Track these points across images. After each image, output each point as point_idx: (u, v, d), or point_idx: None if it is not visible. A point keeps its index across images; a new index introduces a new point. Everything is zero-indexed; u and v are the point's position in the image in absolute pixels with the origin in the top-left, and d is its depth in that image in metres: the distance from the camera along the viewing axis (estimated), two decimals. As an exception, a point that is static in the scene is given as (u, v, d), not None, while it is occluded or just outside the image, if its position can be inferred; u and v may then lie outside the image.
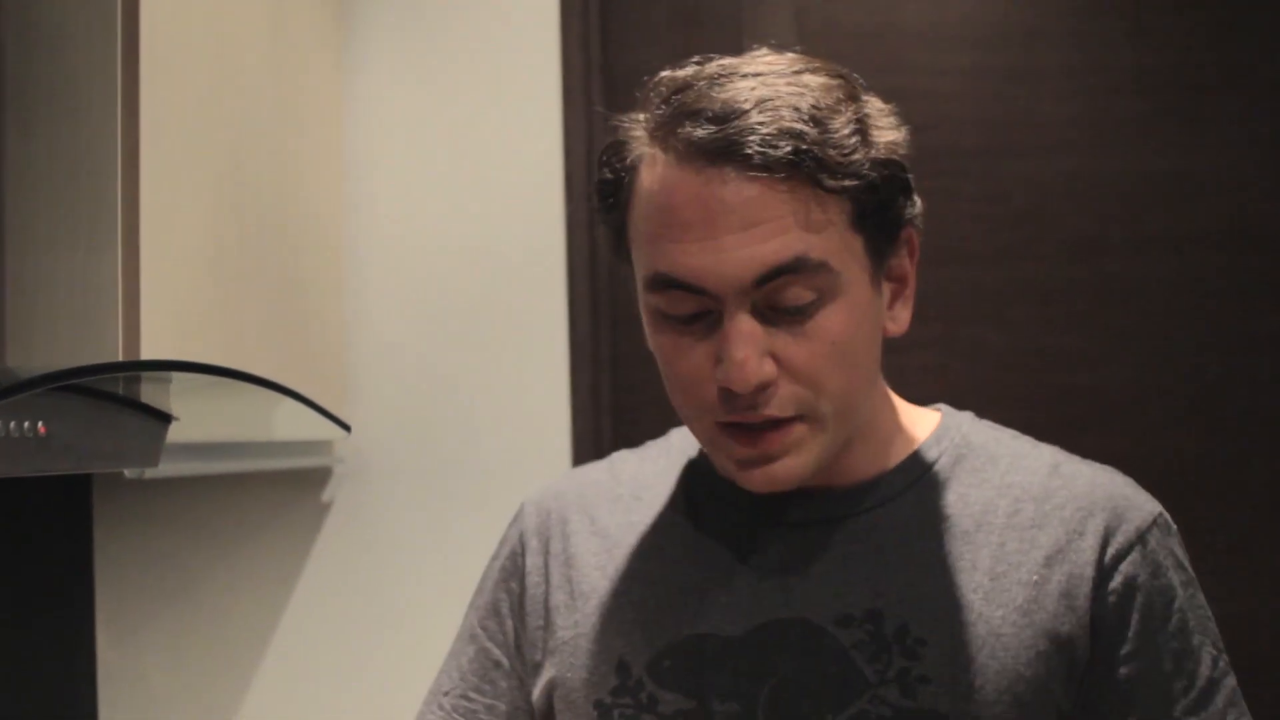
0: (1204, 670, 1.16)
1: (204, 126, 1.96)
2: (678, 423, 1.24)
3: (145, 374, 1.63)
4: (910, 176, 1.16)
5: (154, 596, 2.48)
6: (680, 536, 1.24)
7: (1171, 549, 1.18)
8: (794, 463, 1.12)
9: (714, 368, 1.10)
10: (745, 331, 1.08)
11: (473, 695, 1.31)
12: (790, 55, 1.14)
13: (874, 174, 1.10)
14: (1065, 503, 1.18)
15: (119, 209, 1.76)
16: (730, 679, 1.15)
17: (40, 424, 1.40)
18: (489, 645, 1.32)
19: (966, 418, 1.26)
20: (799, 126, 1.06)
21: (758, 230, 1.06)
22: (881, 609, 1.14)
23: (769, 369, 1.08)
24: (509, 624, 1.31)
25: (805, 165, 1.06)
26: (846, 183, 1.08)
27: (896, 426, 1.23)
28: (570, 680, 1.23)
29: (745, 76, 1.10)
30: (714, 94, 1.08)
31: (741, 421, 1.11)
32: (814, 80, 1.11)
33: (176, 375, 1.62)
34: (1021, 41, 2.52)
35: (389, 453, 2.44)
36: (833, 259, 1.08)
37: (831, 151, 1.07)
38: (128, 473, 1.82)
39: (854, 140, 1.09)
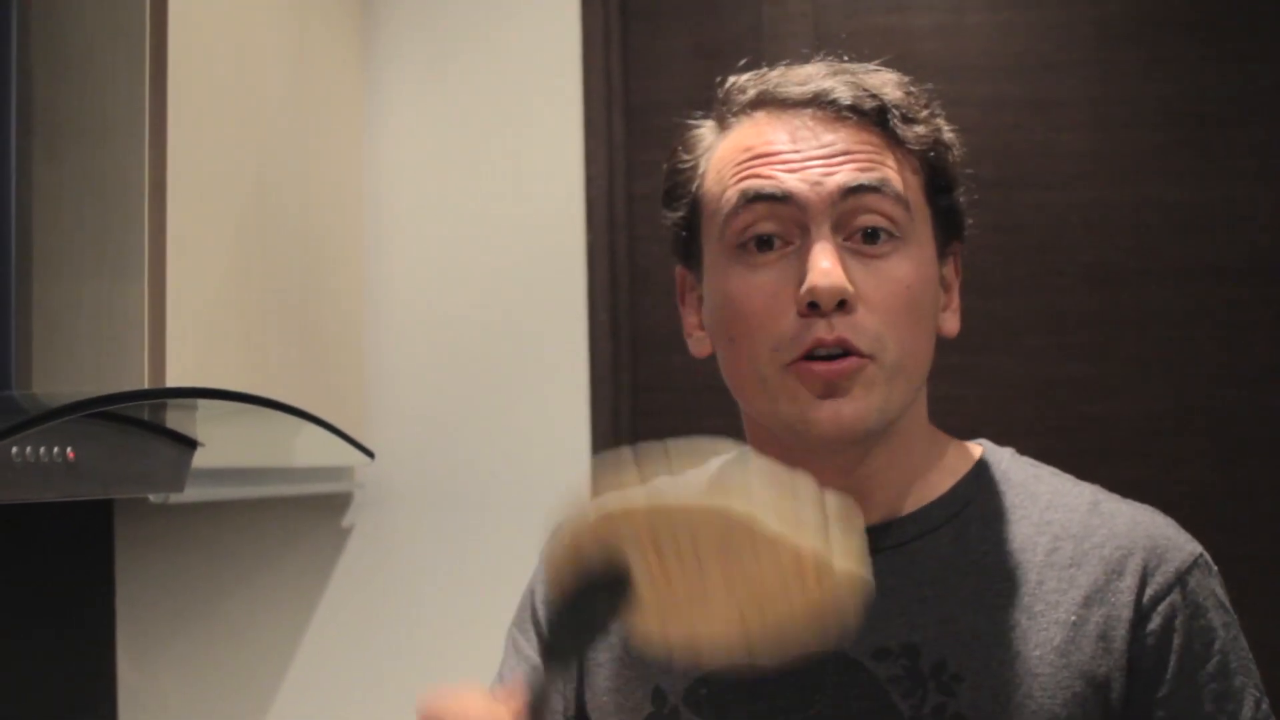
0: (1246, 713, 1.14)
1: (229, 156, 1.98)
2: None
3: (171, 401, 1.65)
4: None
5: (174, 620, 2.49)
6: None
7: (1213, 589, 1.16)
8: (862, 404, 1.12)
9: (793, 295, 1.12)
10: (824, 245, 1.11)
11: None
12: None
13: (946, 150, 1.17)
14: (1104, 541, 1.16)
15: (145, 238, 1.78)
16: (766, 710, 1.15)
17: (69, 450, 1.42)
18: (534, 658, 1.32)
19: (1007, 454, 1.25)
20: (884, 90, 1.16)
21: (846, 158, 1.13)
22: (919, 644, 1.13)
23: (845, 283, 1.10)
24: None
25: (891, 117, 1.14)
26: (925, 145, 1.15)
27: (938, 458, 1.22)
28: (606, 706, 1.23)
29: (813, 66, 1.19)
30: (791, 75, 1.18)
31: (817, 348, 1.11)
32: (890, 76, 1.19)
33: (202, 402, 1.64)
34: (1039, 73, 2.54)
35: (409, 478, 2.45)
36: (912, 200, 1.14)
37: (913, 114, 1.16)
38: (153, 498, 1.83)
39: (927, 114, 1.17)
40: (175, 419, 1.66)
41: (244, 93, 2.03)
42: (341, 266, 2.39)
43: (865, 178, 1.12)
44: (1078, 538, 1.17)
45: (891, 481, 1.19)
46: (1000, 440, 1.28)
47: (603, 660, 1.25)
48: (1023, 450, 1.27)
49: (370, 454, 2.15)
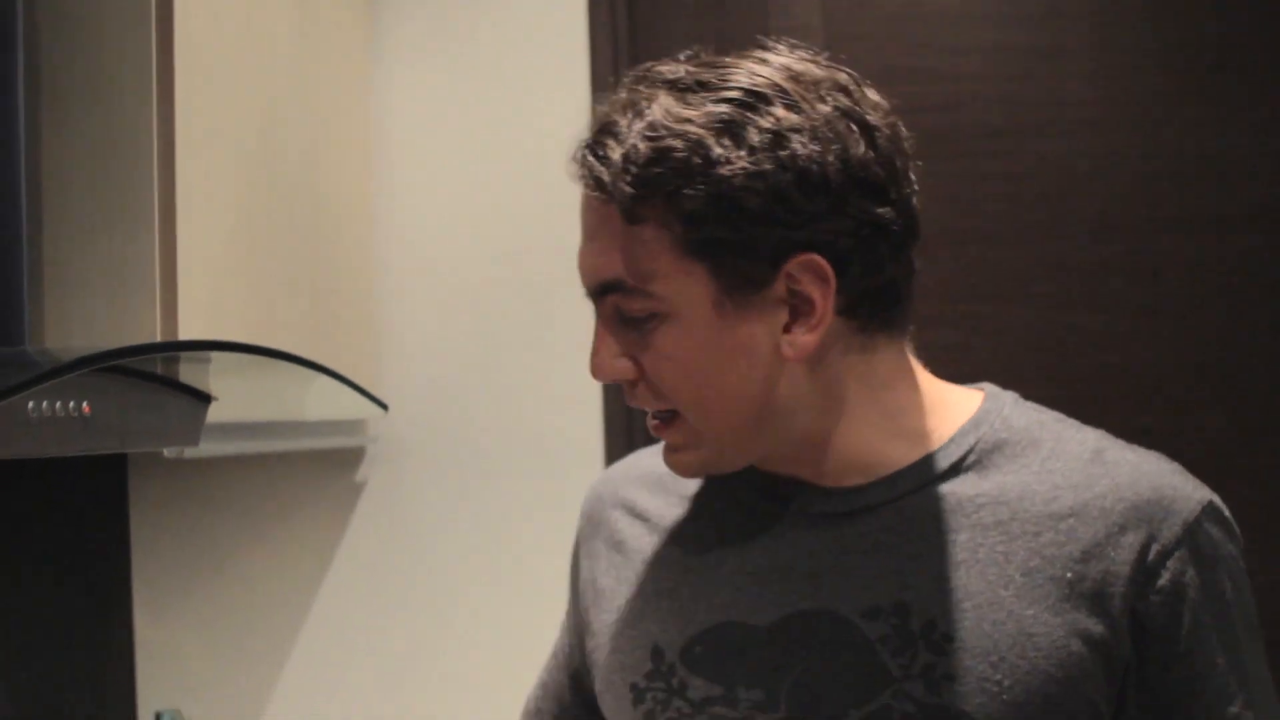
0: (1255, 668, 1.14)
1: (236, 111, 1.98)
2: None
3: (184, 355, 1.65)
4: (818, 204, 1.10)
5: (190, 574, 2.51)
6: (713, 523, 1.24)
7: (1223, 538, 1.15)
8: (692, 455, 1.18)
9: None
10: (600, 330, 1.16)
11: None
12: (736, 65, 1.14)
13: (704, 208, 1.09)
14: (1106, 493, 1.14)
15: (155, 194, 1.78)
16: (756, 667, 1.15)
17: (85, 404, 1.42)
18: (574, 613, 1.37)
19: (1009, 400, 1.23)
20: (621, 157, 1.11)
21: (594, 245, 1.15)
22: (909, 602, 1.12)
23: (623, 367, 1.15)
24: (575, 602, 1.36)
25: (617, 196, 1.11)
26: (677, 211, 1.10)
27: (929, 411, 1.20)
28: (610, 663, 1.25)
29: (642, 93, 1.14)
30: (603, 108, 1.16)
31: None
32: (693, 110, 1.11)
33: (215, 355, 1.64)
34: (1045, 20, 2.52)
35: (421, 432, 2.46)
36: (657, 285, 1.12)
37: (656, 179, 1.10)
38: (167, 452, 1.84)
39: (677, 174, 1.10)
40: (189, 373, 1.66)
41: (251, 48, 2.03)
42: (351, 218, 2.39)
43: (604, 275, 1.14)
44: (1078, 488, 1.15)
45: (877, 439, 1.18)
46: (1008, 389, 1.26)
47: (607, 622, 1.27)
48: (1031, 399, 1.26)
49: (384, 406, 2.15)
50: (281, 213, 2.10)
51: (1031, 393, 1.26)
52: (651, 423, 1.18)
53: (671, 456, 1.19)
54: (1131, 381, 2.49)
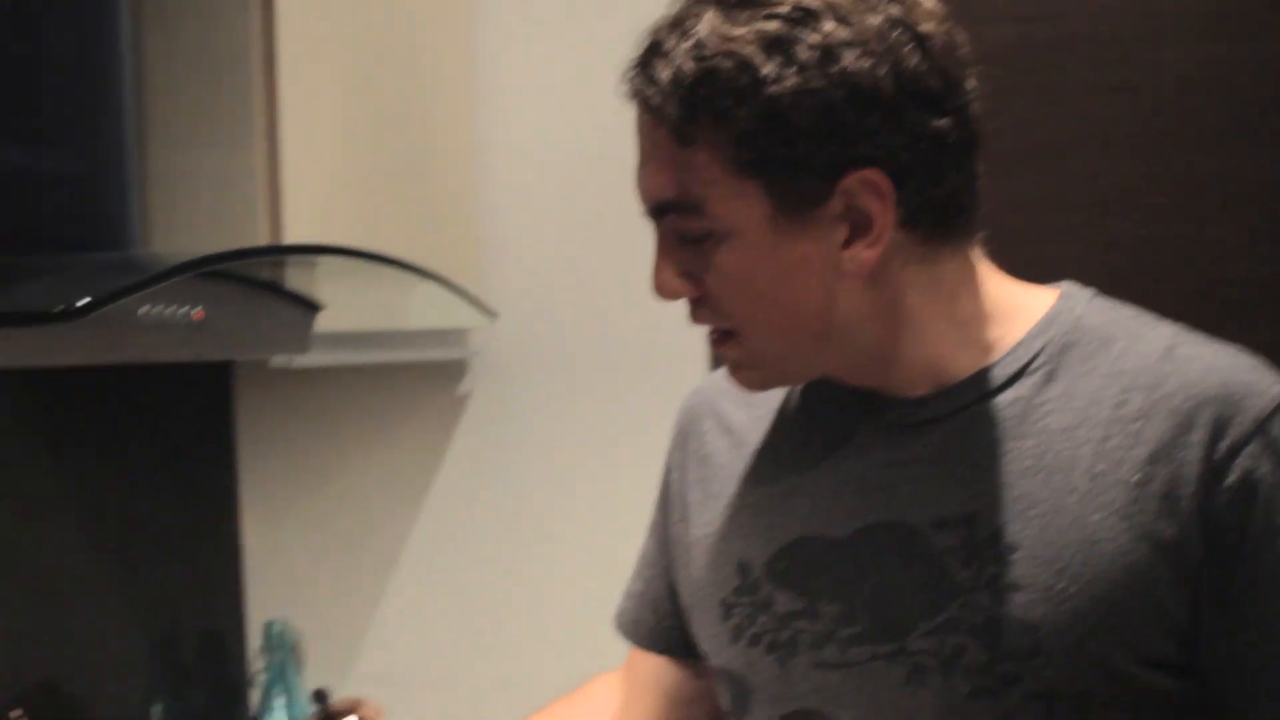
0: None
1: (338, 16, 1.97)
2: None
3: (290, 260, 1.65)
4: (872, 119, 1.08)
5: (296, 485, 2.52)
6: (796, 437, 1.24)
7: None
8: (747, 375, 1.19)
9: None
10: (660, 250, 1.15)
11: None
12: None
13: (754, 128, 1.08)
14: (1176, 391, 1.10)
15: (259, 99, 1.78)
16: (836, 580, 1.16)
17: (196, 309, 1.42)
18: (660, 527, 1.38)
19: (1084, 298, 1.19)
20: (669, 78, 1.10)
21: (649, 166, 1.14)
22: (975, 512, 1.11)
23: (684, 286, 1.15)
24: (665, 515, 1.36)
25: (666, 118, 1.10)
26: (728, 132, 1.09)
27: (998, 317, 1.17)
28: (699, 579, 1.26)
29: (690, 10, 1.11)
30: (652, 26, 1.14)
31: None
32: (741, 27, 1.08)
33: (322, 261, 1.64)
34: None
35: (524, 345, 2.43)
36: (712, 205, 1.11)
37: (707, 101, 1.09)
38: (275, 361, 1.85)
39: (726, 95, 1.08)
40: (296, 279, 1.66)
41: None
42: (453, 125, 2.36)
43: (661, 195, 1.13)
44: (1148, 388, 1.11)
45: (946, 348, 1.16)
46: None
47: (696, 538, 1.27)
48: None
49: (492, 313, 2.13)
50: (384, 117, 2.09)
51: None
52: (712, 339, 1.18)
53: (735, 373, 1.19)
54: (1251, 294, 2.43)
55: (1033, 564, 1.09)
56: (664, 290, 1.17)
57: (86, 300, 1.17)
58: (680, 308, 1.25)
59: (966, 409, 1.15)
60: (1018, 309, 1.18)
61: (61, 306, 1.15)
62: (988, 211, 1.18)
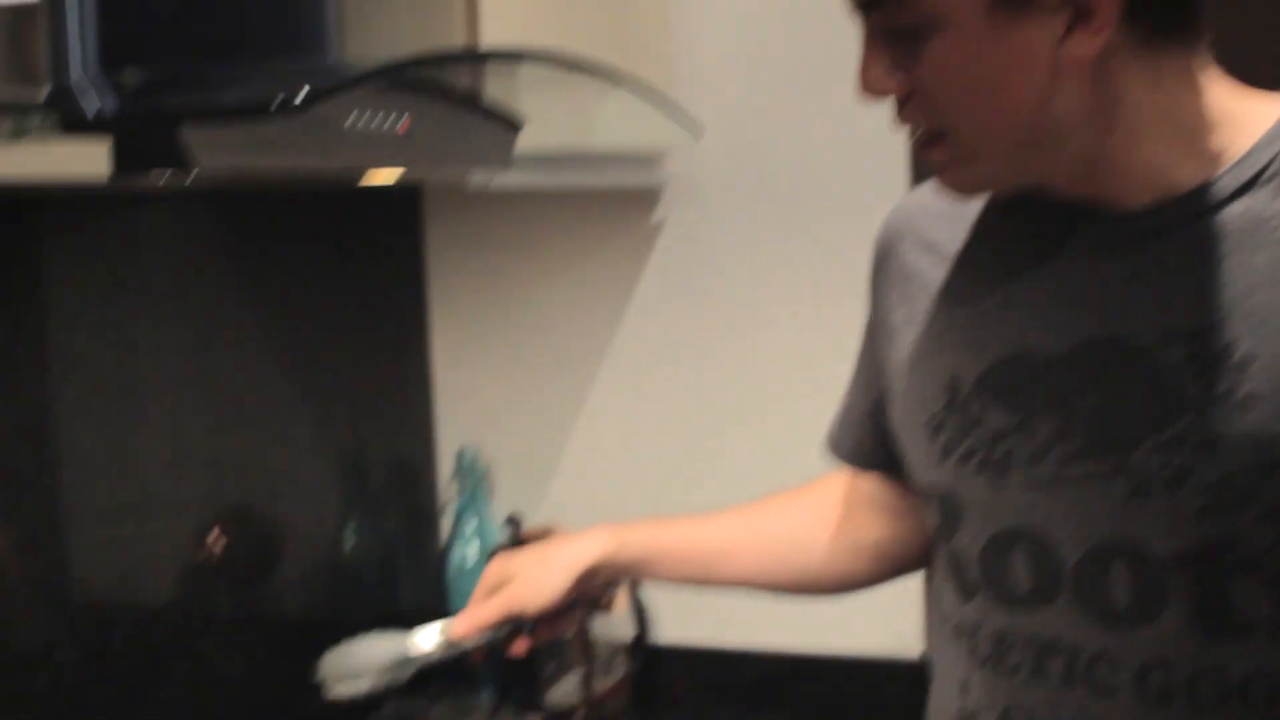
0: None
1: None
2: None
3: (491, 68, 1.59)
4: None
5: (486, 313, 2.49)
6: (1002, 252, 1.21)
7: None
8: (959, 177, 1.16)
9: None
10: (868, 45, 1.12)
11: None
12: None
13: None
14: None
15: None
16: (1053, 395, 1.14)
17: (405, 117, 1.37)
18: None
19: None
20: None
21: None
22: (1206, 326, 1.09)
23: (891, 83, 1.11)
24: (870, 338, 1.39)
25: None
26: None
27: (1225, 124, 1.13)
28: (906, 398, 1.26)
29: None
30: None
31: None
32: None
33: (522, 70, 1.57)
34: None
35: (719, 172, 2.35)
36: None
37: None
38: (474, 179, 1.80)
39: None
40: (496, 88, 1.61)
41: None
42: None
43: None
44: None
45: (1139, 168, 1.12)
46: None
47: (902, 358, 1.26)
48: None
49: (698, 129, 2.03)
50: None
51: None
52: (919, 143, 1.15)
53: (944, 177, 1.17)
54: None
55: (1270, 377, 1.06)
56: (871, 87, 1.13)
57: (306, 91, 1.13)
58: (884, 131, 1.21)
59: (1191, 222, 1.11)
60: (1246, 116, 1.13)
61: (282, 96, 1.11)
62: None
